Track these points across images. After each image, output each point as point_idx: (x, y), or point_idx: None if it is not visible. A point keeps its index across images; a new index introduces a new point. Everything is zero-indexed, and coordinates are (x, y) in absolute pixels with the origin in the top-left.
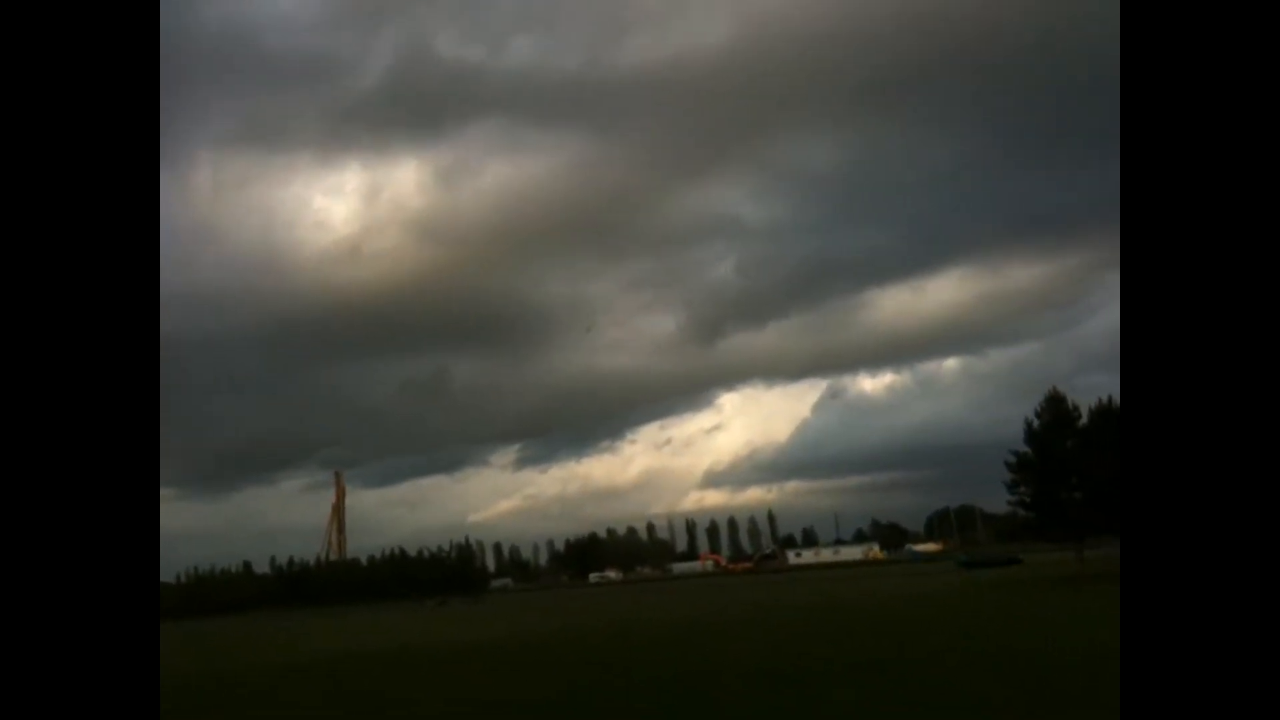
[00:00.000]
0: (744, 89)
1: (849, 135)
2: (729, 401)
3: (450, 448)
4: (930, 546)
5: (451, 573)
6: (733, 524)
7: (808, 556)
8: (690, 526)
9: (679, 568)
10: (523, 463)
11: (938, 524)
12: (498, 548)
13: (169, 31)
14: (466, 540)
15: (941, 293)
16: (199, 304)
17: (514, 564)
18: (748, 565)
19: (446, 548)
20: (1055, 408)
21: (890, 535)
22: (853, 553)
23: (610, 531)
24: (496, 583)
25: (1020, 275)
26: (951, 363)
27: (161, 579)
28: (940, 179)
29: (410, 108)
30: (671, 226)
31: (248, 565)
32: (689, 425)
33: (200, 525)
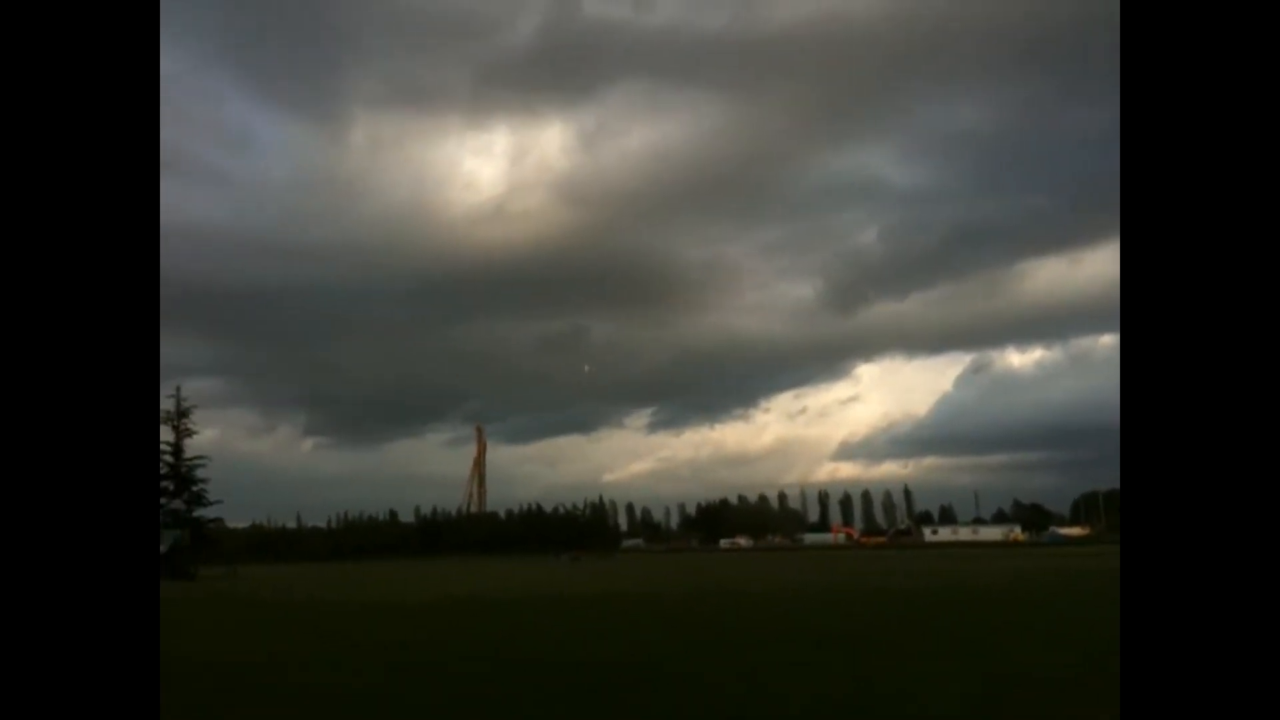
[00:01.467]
0: (894, 47)
1: (1005, 95)
2: (867, 373)
3: (586, 407)
4: (1075, 530)
5: (585, 530)
6: (866, 497)
7: (944, 534)
8: (823, 498)
9: (810, 538)
10: (656, 425)
11: (1084, 507)
12: (630, 508)
13: None
14: (600, 499)
15: (1100, 265)
16: (352, 256)
17: (645, 525)
18: (881, 540)
19: (581, 506)
20: None
21: (1033, 516)
22: (992, 533)
23: (741, 498)
24: (628, 542)
25: None
26: (1107, 339)
27: (313, 523)
28: (1102, 142)
29: (557, 68)
30: (813, 190)
31: (393, 513)
32: (824, 395)
33: (350, 473)
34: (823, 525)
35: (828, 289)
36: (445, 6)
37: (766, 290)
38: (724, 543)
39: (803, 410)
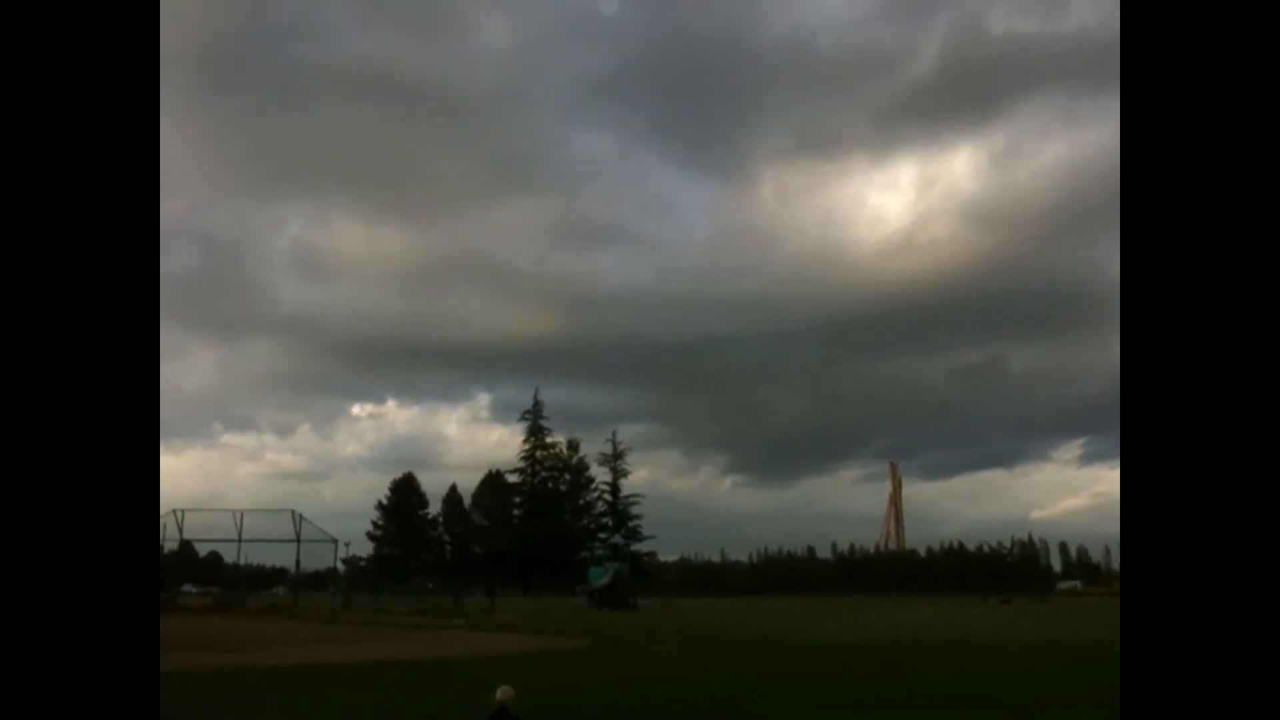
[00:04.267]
0: None
1: None
2: None
3: (1007, 440)
4: None
5: (1013, 569)
6: None
7: None
8: None
9: None
10: (1089, 458)
11: None
12: (1063, 547)
13: (729, 47)
14: (1030, 537)
15: None
16: (766, 304)
17: (1082, 565)
18: None
19: (1008, 544)
20: None
21: None
22: None
23: None
24: (1064, 584)
25: None
26: None
27: (734, 557)
28: None
29: (962, 92)
30: None
31: (811, 549)
32: None
33: (766, 509)
34: None
35: None
36: (844, 49)
37: None
38: None
39: None
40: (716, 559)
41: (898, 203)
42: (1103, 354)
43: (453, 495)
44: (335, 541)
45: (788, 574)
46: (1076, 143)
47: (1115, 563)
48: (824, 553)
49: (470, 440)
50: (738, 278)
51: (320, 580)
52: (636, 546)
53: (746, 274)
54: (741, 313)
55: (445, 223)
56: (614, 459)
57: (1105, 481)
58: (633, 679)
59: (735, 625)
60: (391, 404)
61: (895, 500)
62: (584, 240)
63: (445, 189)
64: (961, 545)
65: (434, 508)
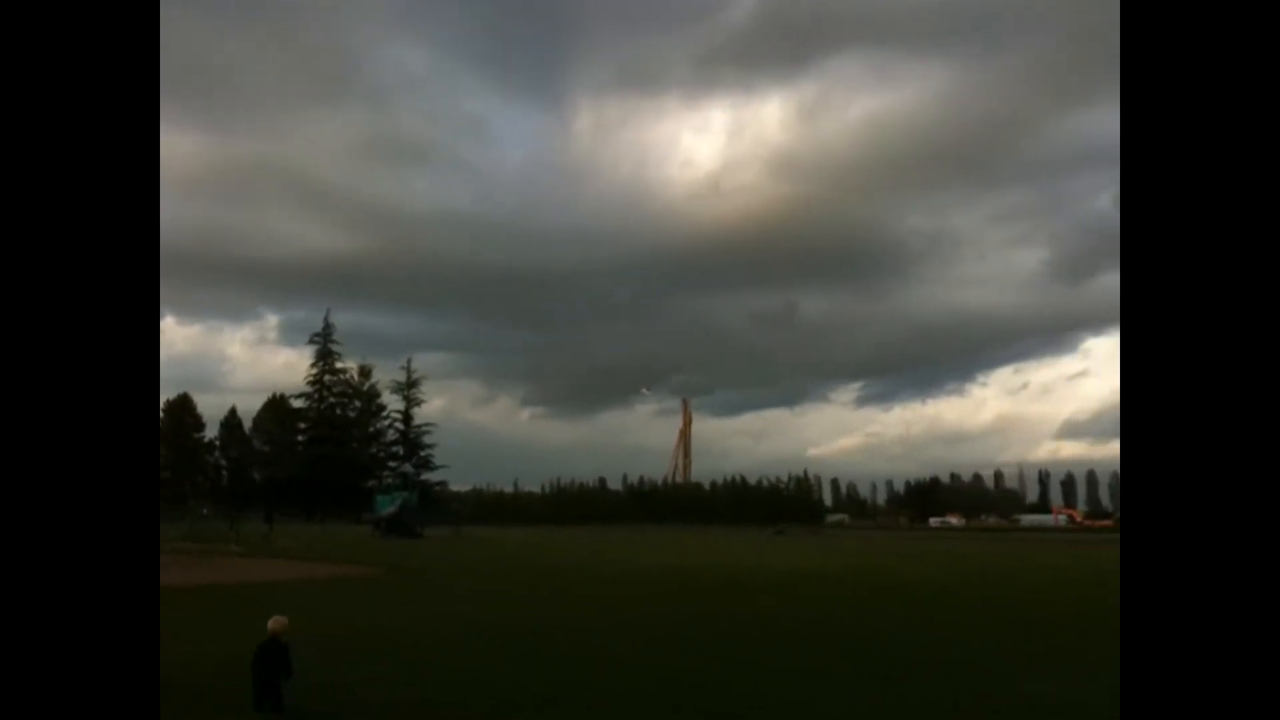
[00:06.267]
0: None
1: None
2: (1097, 346)
3: (793, 381)
4: None
5: (789, 503)
6: (1092, 478)
7: None
8: (1043, 478)
9: (1027, 520)
10: (864, 400)
11: None
12: (835, 483)
13: None
14: (805, 473)
15: None
16: (576, 237)
17: (851, 501)
18: (1107, 523)
19: (785, 479)
20: None
21: None
22: None
23: (954, 476)
24: (833, 518)
25: None
26: None
27: (528, 489)
28: None
29: (776, 43)
30: (1046, 156)
31: (603, 481)
32: (1048, 370)
33: (564, 442)
34: (1042, 506)
35: (1056, 258)
36: None
37: (989, 261)
38: (934, 521)
39: (1024, 386)
40: (510, 490)
41: (709, 147)
42: (883, 303)
43: (232, 419)
44: None
45: (579, 505)
46: (883, 101)
47: (881, 498)
48: (616, 484)
49: (255, 362)
50: (551, 209)
51: None
52: (428, 476)
53: (560, 206)
54: (553, 245)
55: (245, 129)
56: (408, 387)
57: (878, 423)
58: (428, 610)
59: (531, 553)
60: (170, 320)
61: (685, 435)
62: (395, 158)
63: (247, 93)
64: (744, 479)
65: (211, 431)
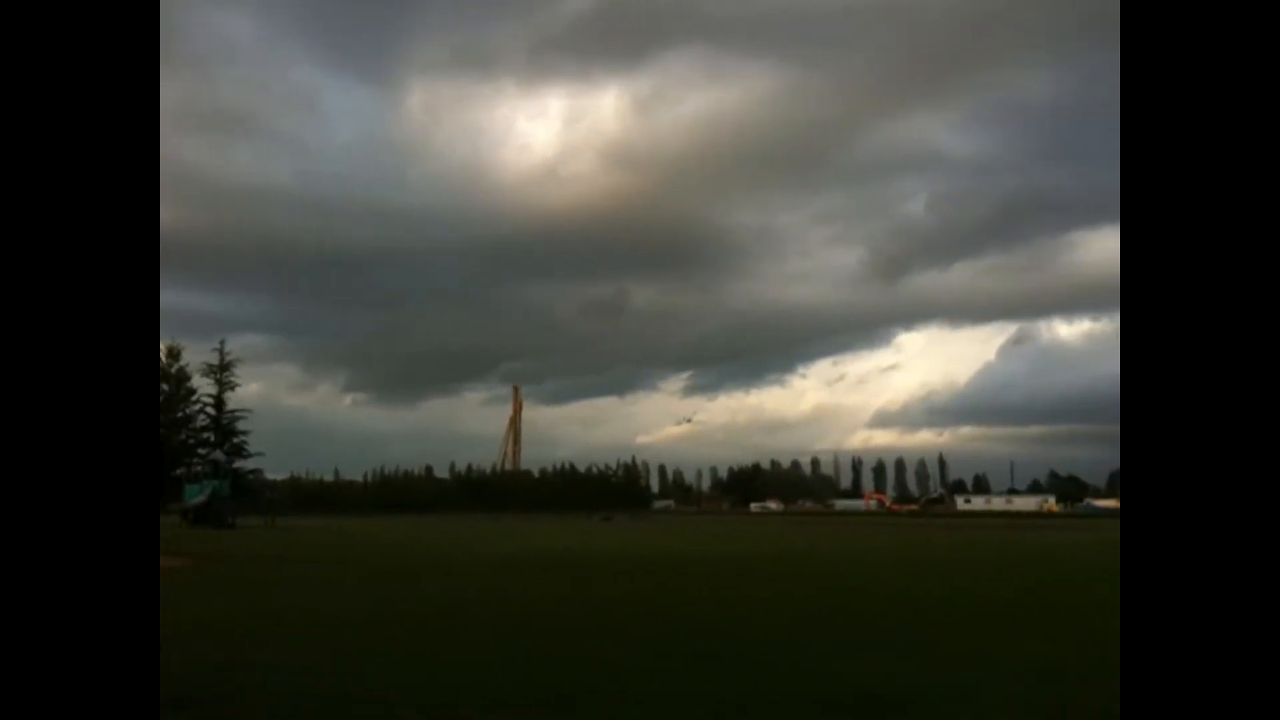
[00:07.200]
0: (956, 16)
1: (1064, 68)
2: (909, 341)
3: (623, 370)
4: (1112, 503)
5: (617, 490)
6: (900, 465)
7: (978, 504)
8: (856, 465)
9: (841, 504)
10: (692, 390)
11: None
12: (662, 470)
13: None
14: (634, 460)
15: None
16: (407, 219)
17: (677, 487)
18: (913, 507)
19: (614, 466)
20: None
21: (1069, 488)
22: (1026, 503)
23: (774, 463)
24: (659, 504)
25: None
26: None
27: (349, 477)
28: None
29: (613, 34)
30: (867, 159)
31: (429, 469)
32: (864, 363)
33: (388, 429)
34: (855, 492)
35: (872, 258)
36: None
37: (812, 258)
38: (755, 506)
39: (841, 377)
40: (330, 478)
41: (545, 133)
42: (710, 296)
43: None
44: None
45: (404, 494)
46: (715, 98)
47: (706, 484)
48: (442, 473)
49: None
50: (380, 189)
51: None
52: (241, 463)
53: (389, 186)
54: (381, 226)
55: None
56: (221, 370)
57: (705, 411)
58: (238, 602)
59: (347, 542)
60: None
61: (515, 423)
62: (214, 128)
63: None
64: (573, 467)
65: None
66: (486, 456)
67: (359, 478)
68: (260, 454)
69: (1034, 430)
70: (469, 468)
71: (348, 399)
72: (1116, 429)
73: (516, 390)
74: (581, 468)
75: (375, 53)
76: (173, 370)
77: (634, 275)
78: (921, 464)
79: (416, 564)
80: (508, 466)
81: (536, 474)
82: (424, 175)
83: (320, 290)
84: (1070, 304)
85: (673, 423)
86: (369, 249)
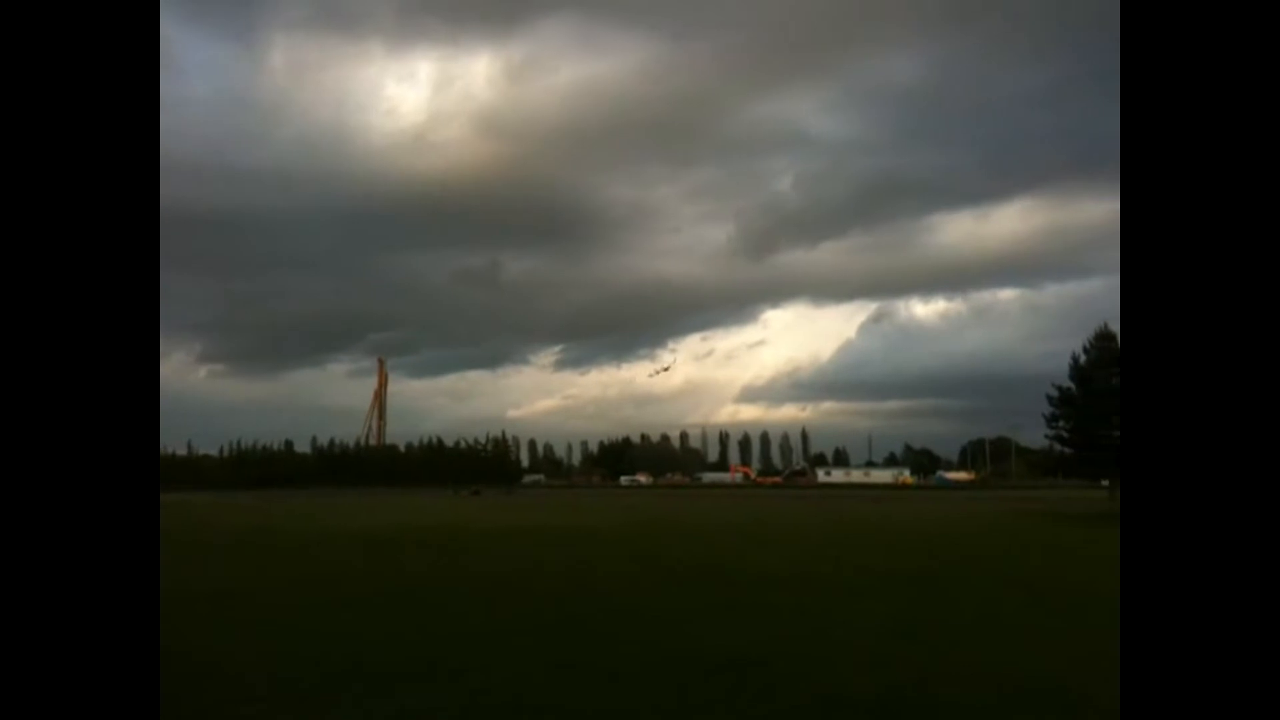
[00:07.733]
0: None
1: (929, 53)
2: (775, 318)
3: (496, 343)
4: (962, 475)
5: (486, 464)
6: (765, 439)
7: (837, 476)
8: (723, 438)
9: (708, 477)
10: (563, 364)
11: (972, 453)
12: (533, 444)
13: None
14: (504, 435)
15: (1006, 222)
16: (269, 181)
17: (548, 461)
18: (776, 480)
19: (484, 440)
20: (1104, 345)
21: (922, 461)
22: (882, 476)
23: (644, 437)
24: (529, 478)
25: (1091, 210)
26: (1008, 293)
27: (205, 451)
28: (1019, 105)
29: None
30: (737, 136)
31: (289, 443)
32: (732, 339)
33: (247, 401)
34: (722, 465)
35: (741, 235)
36: None
37: (682, 234)
38: (624, 480)
39: (709, 352)
40: (183, 452)
41: (414, 97)
42: (583, 268)
43: None
44: None
45: (261, 468)
46: (589, 69)
47: (577, 458)
48: (304, 447)
49: None
50: (241, 148)
51: None
52: None
53: (249, 146)
54: (240, 188)
55: None
56: None
57: (576, 385)
58: None
59: (199, 518)
60: None
61: (380, 396)
62: None
63: None
64: (440, 441)
65: None
66: (351, 431)
67: (214, 451)
68: None
69: (891, 405)
70: (331, 442)
71: (203, 369)
72: (969, 404)
73: (381, 363)
74: (450, 442)
75: (234, 6)
76: None
77: (507, 247)
78: (785, 438)
79: (276, 540)
80: (372, 441)
81: (403, 448)
82: (287, 136)
83: (174, 253)
84: (928, 284)
85: (543, 397)
86: (228, 210)
